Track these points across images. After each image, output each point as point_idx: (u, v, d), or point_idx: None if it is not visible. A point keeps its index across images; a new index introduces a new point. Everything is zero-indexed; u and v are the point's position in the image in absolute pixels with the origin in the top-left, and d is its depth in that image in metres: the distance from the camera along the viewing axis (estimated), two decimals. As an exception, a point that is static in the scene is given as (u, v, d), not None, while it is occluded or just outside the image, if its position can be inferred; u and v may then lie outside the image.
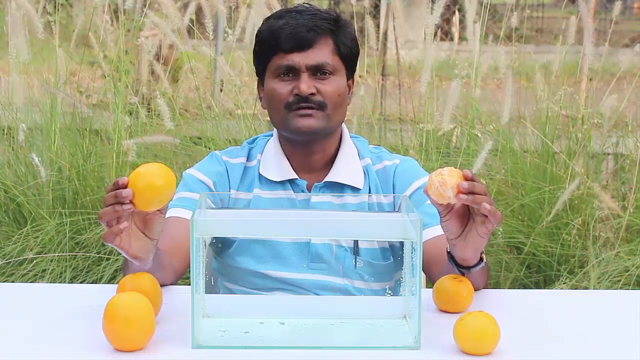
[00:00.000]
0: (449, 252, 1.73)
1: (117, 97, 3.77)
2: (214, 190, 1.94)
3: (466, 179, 1.58)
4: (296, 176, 1.94)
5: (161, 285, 1.60)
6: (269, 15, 1.98)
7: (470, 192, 1.57)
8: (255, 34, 1.97)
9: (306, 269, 1.90)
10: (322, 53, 1.88)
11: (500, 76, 3.70)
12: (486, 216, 1.60)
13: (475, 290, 1.68)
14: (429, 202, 1.88)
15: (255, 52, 1.96)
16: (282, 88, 1.88)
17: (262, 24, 1.95)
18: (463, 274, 1.70)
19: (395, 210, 1.92)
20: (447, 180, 1.57)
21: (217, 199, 1.93)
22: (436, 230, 1.84)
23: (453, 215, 1.64)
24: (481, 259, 1.71)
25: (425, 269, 1.85)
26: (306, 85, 1.86)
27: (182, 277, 1.87)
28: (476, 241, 1.64)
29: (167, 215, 1.90)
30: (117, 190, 1.51)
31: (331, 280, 1.90)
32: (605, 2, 7.24)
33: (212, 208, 1.85)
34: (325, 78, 1.88)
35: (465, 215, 1.64)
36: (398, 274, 1.93)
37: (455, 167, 1.75)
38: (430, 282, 1.85)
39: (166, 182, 1.53)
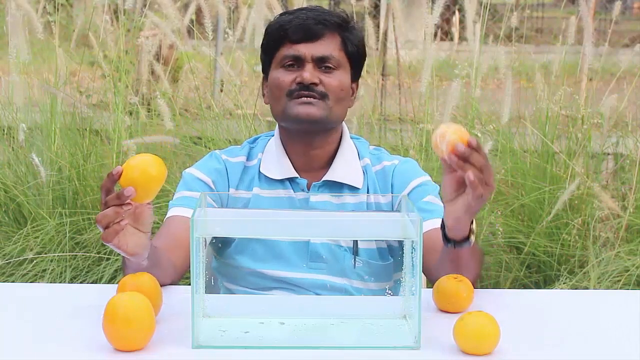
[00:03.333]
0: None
1: (117, 97, 3.77)
2: (213, 188, 1.94)
3: (469, 145, 1.56)
4: (297, 175, 1.95)
5: (161, 285, 1.60)
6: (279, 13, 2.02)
7: (464, 159, 1.56)
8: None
9: (305, 268, 1.90)
10: (329, 46, 1.90)
11: (500, 76, 3.70)
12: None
13: (468, 278, 1.67)
14: (426, 199, 1.88)
15: (262, 46, 1.98)
16: (286, 76, 1.90)
17: (273, 20, 1.98)
18: (454, 247, 1.69)
19: (395, 209, 1.92)
20: (447, 135, 1.56)
21: (217, 197, 1.93)
22: (432, 224, 1.84)
23: (452, 175, 1.62)
24: (468, 239, 1.69)
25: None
26: (310, 74, 1.88)
27: (183, 276, 1.87)
28: (457, 210, 1.63)
29: (167, 215, 1.91)
30: (119, 192, 1.51)
31: (330, 279, 1.90)
32: (605, 2, 7.24)
33: (213, 206, 1.85)
34: (329, 71, 1.90)
35: (462, 182, 1.62)
36: (397, 274, 1.93)
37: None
38: (426, 275, 1.85)
39: (159, 172, 1.53)
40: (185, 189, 1.94)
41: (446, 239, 1.70)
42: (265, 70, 1.98)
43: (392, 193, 1.96)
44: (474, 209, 1.62)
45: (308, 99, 1.88)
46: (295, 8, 1.99)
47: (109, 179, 1.53)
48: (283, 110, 1.90)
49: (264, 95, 1.99)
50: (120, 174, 1.51)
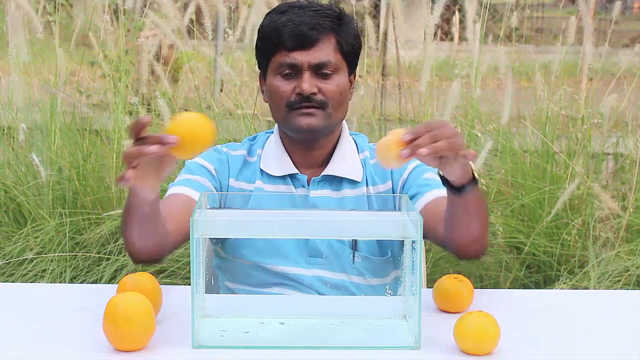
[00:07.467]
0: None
1: (117, 97, 3.77)
2: (215, 175, 1.95)
3: (409, 137, 1.51)
4: (297, 171, 1.96)
5: (152, 238, 1.59)
6: (272, 9, 1.98)
7: (416, 144, 1.51)
8: (252, 34, 1.97)
9: (304, 263, 1.91)
10: (325, 52, 1.88)
11: (500, 76, 3.70)
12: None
13: (477, 222, 1.68)
14: (426, 175, 1.89)
15: (257, 47, 1.96)
16: (285, 86, 1.89)
17: (264, 18, 1.95)
18: (462, 192, 1.68)
19: (394, 192, 1.93)
20: (383, 142, 1.53)
21: (218, 185, 1.94)
22: (436, 193, 1.85)
23: (423, 160, 1.58)
24: (474, 179, 1.67)
25: (430, 233, 1.83)
26: (308, 84, 1.86)
27: (173, 248, 1.84)
28: (450, 172, 1.62)
29: (167, 194, 1.91)
30: (163, 135, 1.48)
31: (329, 275, 1.91)
32: (605, 2, 7.24)
33: (214, 198, 1.85)
34: (327, 77, 1.89)
35: (436, 157, 1.59)
36: (396, 271, 1.93)
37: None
38: (438, 244, 1.85)
39: (210, 132, 1.50)
40: (187, 172, 1.95)
41: (453, 188, 1.68)
42: (262, 68, 1.97)
43: (391, 179, 1.96)
44: (461, 164, 1.59)
45: (308, 109, 1.87)
46: (286, 3, 1.95)
47: (137, 124, 1.49)
48: (283, 119, 1.91)
49: (262, 92, 1.99)
50: (149, 123, 1.48)
